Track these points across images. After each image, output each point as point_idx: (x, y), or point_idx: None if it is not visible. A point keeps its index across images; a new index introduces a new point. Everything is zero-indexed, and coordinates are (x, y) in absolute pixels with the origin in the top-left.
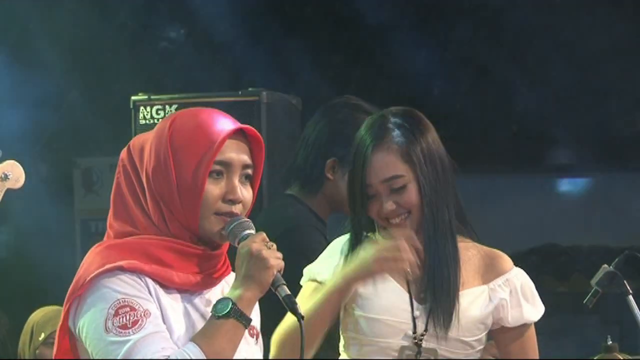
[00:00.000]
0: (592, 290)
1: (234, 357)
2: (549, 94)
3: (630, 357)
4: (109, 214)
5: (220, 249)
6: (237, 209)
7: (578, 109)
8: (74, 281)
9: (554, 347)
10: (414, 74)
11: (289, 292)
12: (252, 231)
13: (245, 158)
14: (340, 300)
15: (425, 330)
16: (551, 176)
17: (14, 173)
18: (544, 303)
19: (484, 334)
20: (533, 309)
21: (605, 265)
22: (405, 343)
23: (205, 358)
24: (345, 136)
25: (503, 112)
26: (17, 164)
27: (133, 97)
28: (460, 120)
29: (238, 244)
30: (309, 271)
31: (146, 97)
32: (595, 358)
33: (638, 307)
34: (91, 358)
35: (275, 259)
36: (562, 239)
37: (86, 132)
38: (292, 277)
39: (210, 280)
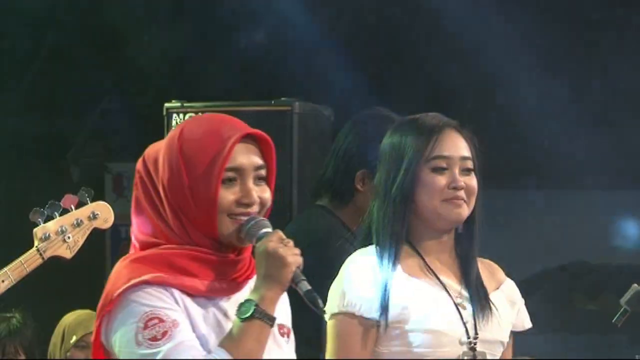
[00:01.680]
0: (622, 310)
1: (265, 359)
2: (580, 109)
3: None
4: (132, 227)
5: (243, 254)
6: (253, 209)
7: (607, 126)
8: (102, 296)
9: None
10: (447, 86)
11: (309, 287)
12: (269, 229)
13: (257, 160)
14: None
15: (476, 334)
16: (582, 192)
17: (103, 213)
18: (574, 321)
19: None
20: (528, 317)
21: (635, 285)
22: (462, 349)
23: None
24: (375, 147)
25: (532, 128)
26: (108, 205)
27: (166, 104)
28: (492, 135)
29: (256, 242)
30: (343, 302)
31: (179, 104)
32: None
33: None
34: None
35: (292, 255)
36: (593, 257)
37: (118, 138)
38: (318, 290)
39: (235, 285)
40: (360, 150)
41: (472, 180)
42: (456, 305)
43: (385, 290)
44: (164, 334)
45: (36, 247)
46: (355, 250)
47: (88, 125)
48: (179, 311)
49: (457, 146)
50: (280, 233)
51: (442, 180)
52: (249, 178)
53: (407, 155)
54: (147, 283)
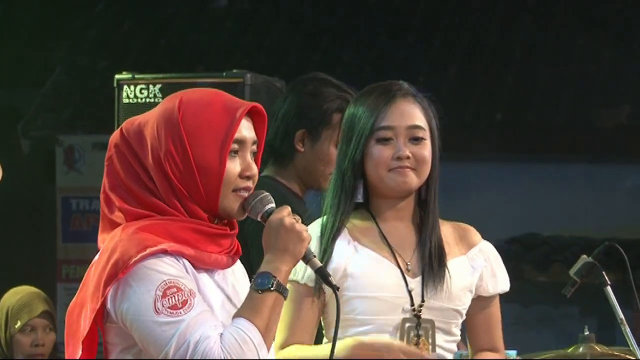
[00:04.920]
0: (570, 281)
1: None
2: (533, 82)
3: (606, 349)
4: (113, 201)
5: (235, 229)
6: (251, 184)
7: (562, 98)
8: (108, 265)
9: (532, 336)
10: (399, 58)
11: (321, 265)
12: (273, 205)
13: (254, 135)
14: None
15: (422, 301)
16: (534, 165)
17: None
18: (524, 293)
19: (469, 302)
20: (505, 280)
21: (584, 256)
22: (404, 317)
23: (258, 332)
24: (313, 108)
25: (487, 99)
26: None
27: (117, 76)
28: (443, 107)
29: (261, 218)
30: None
31: (130, 75)
32: (571, 349)
33: (616, 298)
34: (128, 341)
35: (306, 231)
36: (544, 229)
37: (69, 110)
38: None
39: (231, 259)
40: (299, 110)
41: (422, 149)
42: (402, 273)
43: (323, 258)
44: (184, 302)
45: None
46: (301, 214)
47: (39, 98)
48: (192, 281)
49: (405, 115)
50: (289, 209)
51: (386, 151)
52: (247, 151)
53: (356, 128)
54: (165, 252)
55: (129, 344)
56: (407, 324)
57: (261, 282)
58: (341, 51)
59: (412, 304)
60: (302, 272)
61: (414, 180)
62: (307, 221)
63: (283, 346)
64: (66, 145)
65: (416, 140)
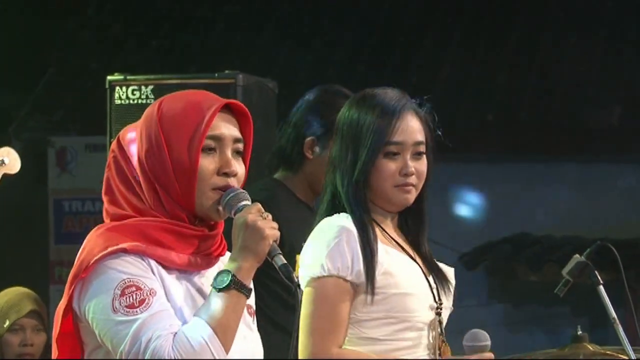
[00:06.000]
0: (563, 280)
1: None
2: (525, 83)
3: (599, 348)
4: (104, 203)
5: (216, 230)
6: (232, 182)
7: (553, 99)
8: (76, 264)
9: (524, 336)
10: (392, 59)
11: (285, 262)
12: (248, 202)
13: (236, 132)
14: None
15: (440, 300)
16: (526, 165)
17: (11, 159)
18: (516, 292)
19: None
20: None
21: (577, 255)
22: (431, 315)
23: (212, 331)
24: (323, 117)
25: (479, 100)
26: (13, 150)
27: (109, 77)
28: (435, 107)
29: (234, 215)
30: (323, 267)
31: (122, 77)
32: (564, 349)
33: (609, 297)
34: (98, 339)
35: (270, 229)
36: (536, 229)
37: (62, 112)
38: None
39: (208, 260)
40: (309, 118)
41: (422, 165)
42: (424, 272)
43: (373, 257)
44: (142, 301)
45: None
46: (300, 220)
47: (31, 99)
48: (156, 281)
49: (411, 131)
50: (259, 206)
51: (393, 165)
52: (227, 148)
53: (365, 140)
54: (125, 251)
55: (98, 344)
56: (433, 323)
57: (220, 281)
58: (333, 52)
59: (436, 302)
60: (349, 269)
61: (413, 196)
62: (312, 226)
63: (339, 345)
64: (58, 147)
65: (418, 155)
